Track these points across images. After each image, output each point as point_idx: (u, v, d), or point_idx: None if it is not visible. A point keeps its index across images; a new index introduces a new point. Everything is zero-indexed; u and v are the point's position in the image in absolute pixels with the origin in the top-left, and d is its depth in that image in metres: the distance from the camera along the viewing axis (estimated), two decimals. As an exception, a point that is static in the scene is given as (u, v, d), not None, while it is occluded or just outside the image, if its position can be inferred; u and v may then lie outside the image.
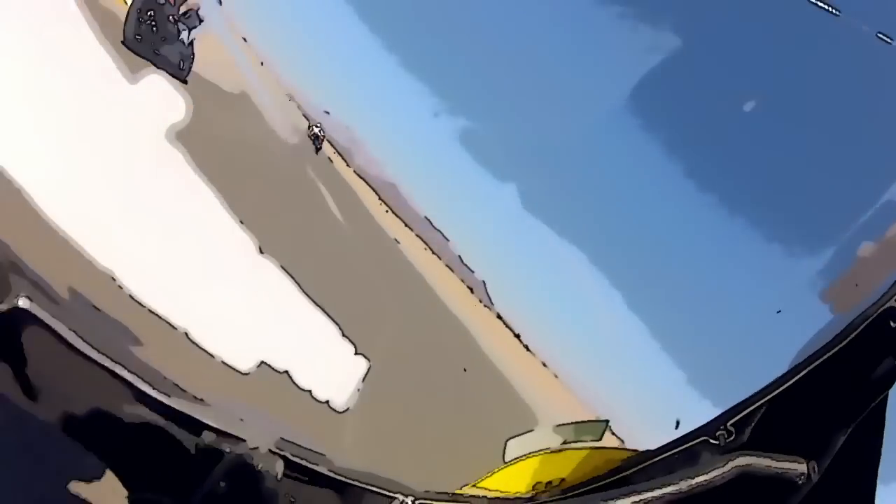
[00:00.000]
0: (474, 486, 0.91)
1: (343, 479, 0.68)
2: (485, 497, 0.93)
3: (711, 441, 0.89)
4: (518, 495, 0.95)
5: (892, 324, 0.86)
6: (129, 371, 0.53)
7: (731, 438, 0.89)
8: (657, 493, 0.84)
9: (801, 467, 0.89)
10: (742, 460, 0.87)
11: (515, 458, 0.95)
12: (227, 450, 0.60)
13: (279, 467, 0.62)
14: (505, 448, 0.92)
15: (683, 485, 0.85)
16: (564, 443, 0.94)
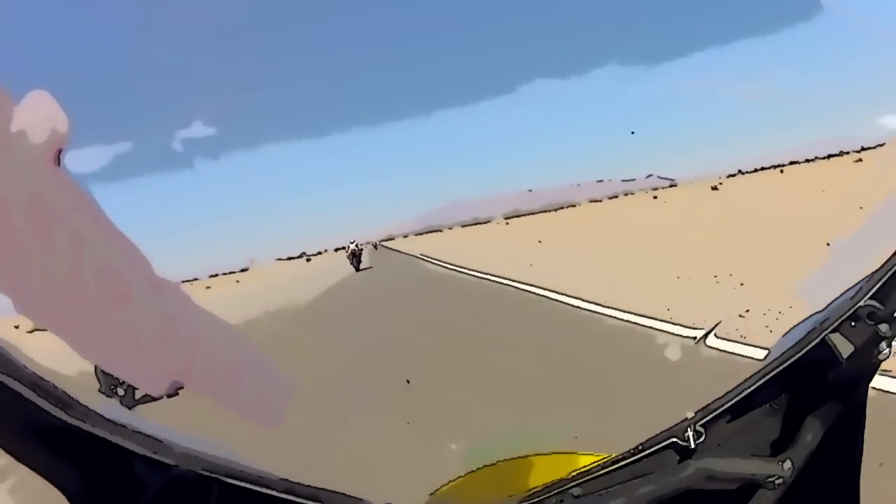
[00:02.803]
0: (435, 494, 0.90)
1: (288, 498, 0.64)
2: (447, 505, 0.91)
3: (680, 443, 0.86)
4: (482, 503, 0.93)
5: (867, 321, 0.82)
6: (40, 396, 0.50)
7: (701, 440, 0.86)
8: (624, 497, 0.82)
9: (774, 468, 0.86)
10: (711, 462, 0.84)
11: (478, 466, 0.93)
12: (154, 476, 0.57)
13: None
14: (468, 456, 0.90)
15: (651, 488, 0.82)
16: (527, 449, 0.91)
